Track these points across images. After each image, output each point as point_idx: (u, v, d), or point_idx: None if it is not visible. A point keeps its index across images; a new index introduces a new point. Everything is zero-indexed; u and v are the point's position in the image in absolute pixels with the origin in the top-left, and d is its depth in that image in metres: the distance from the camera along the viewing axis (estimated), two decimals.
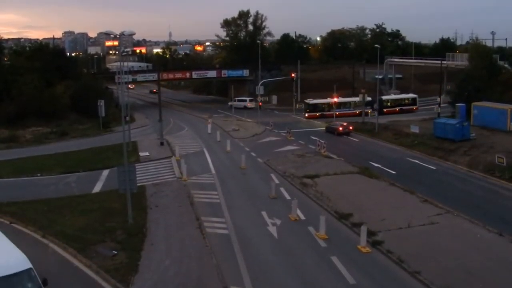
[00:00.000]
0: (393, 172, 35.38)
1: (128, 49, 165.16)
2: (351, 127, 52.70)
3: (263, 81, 73.06)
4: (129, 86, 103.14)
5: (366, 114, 59.82)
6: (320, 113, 65.38)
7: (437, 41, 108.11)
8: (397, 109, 65.28)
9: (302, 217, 25.53)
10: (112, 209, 26.35)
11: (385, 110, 63.72)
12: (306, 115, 65.81)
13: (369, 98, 65.08)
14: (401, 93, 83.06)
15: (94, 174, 35.26)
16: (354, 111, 64.57)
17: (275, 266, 20.01)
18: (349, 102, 67.08)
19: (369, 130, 52.49)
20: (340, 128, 52.07)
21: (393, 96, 70.10)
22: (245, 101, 79.01)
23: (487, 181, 33.19)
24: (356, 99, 65.62)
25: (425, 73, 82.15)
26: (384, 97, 67.08)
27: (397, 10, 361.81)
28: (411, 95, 68.83)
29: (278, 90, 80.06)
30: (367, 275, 18.98)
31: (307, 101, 67.45)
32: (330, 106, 65.55)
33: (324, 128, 55.28)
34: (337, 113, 63.17)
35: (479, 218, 24.71)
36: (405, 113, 63.90)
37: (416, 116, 62.34)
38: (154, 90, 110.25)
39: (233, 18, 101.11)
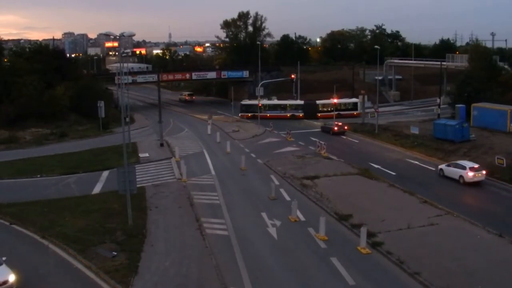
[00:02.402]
0: (393, 173, 35.40)
1: (128, 50, 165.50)
2: (346, 127, 53.09)
3: (262, 82, 73.08)
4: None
5: (297, 118, 61.71)
6: (252, 113, 66.14)
7: (437, 42, 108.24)
8: (334, 113, 64.65)
9: (302, 218, 25.55)
10: (112, 210, 26.38)
11: (319, 115, 63.99)
12: (240, 114, 67.28)
13: (300, 102, 66.54)
14: (400, 95, 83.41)
15: (94, 175, 35.26)
16: (285, 114, 65.13)
17: (274, 267, 20.02)
18: (284, 105, 67.64)
19: (369, 131, 52.54)
20: (335, 128, 52.48)
21: (329, 101, 66.20)
22: (183, 94, 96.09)
23: (486, 182, 33.17)
24: (291, 102, 67.78)
25: (425, 74, 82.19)
26: (318, 102, 66.78)
27: (396, 11, 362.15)
28: (351, 100, 66.95)
29: (278, 91, 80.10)
30: (367, 276, 19.00)
31: (242, 102, 69.53)
32: (263, 107, 66.67)
33: (320, 128, 55.68)
34: (268, 114, 64.72)
35: (478, 219, 24.75)
36: (343, 118, 61.34)
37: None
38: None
39: (233, 19, 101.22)
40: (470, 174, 32.29)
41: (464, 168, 32.84)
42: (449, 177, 33.67)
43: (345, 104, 65.61)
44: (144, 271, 19.29)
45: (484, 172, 32.78)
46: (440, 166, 35.35)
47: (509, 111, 46.90)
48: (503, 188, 31.89)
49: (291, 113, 64.83)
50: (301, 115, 64.59)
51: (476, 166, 33.12)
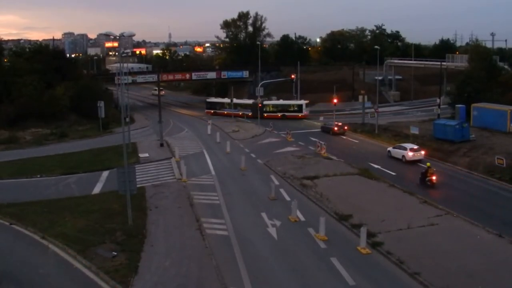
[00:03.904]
0: (393, 173, 35.41)
1: (128, 51, 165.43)
2: (346, 127, 53.11)
3: (262, 82, 73.11)
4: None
5: (248, 116, 64.59)
6: (214, 110, 72.43)
7: (437, 42, 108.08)
8: (279, 114, 65.13)
9: (302, 218, 25.55)
10: (112, 211, 26.38)
11: (265, 115, 65.41)
12: (205, 111, 73.40)
13: (249, 102, 68.87)
14: (400, 95, 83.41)
15: (94, 175, 35.26)
16: (238, 112, 67.36)
17: (274, 267, 20.02)
18: (243, 104, 69.89)
19: (369, 131, 52.52)
20: (335, 128, 52.47)
21: (276, 102, 70.29)
22: (156, 89, 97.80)
23: (486, 182, 33.22)
24: (245, 101, 70.67)
25: (425, 74, 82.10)
26: (266, 102, 68.77)
27: (396, 11, 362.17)
28: (297, 102, 68.60)
29: (278, 91, 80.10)
30: (367, 276, 19.00)
31: (207, 100, 76.42)
32: (222, 105, 72.00)
33: (320, 128, 55.84)
34: (225, 112, 69.42)
35: (478, 220, 24.74)
36: (288, 119, 63.71)
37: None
38: None
39: (233, 20, 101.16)
40: (410, 154, 38.69)
41: (405, 149, 39.34)
42: (395, 156, 40.04)
43: (290, 105, 67.82)
44: (144, 271, 19.29)
45: (422, 152, 39.10)
46: (388, 148, 41.69)
47: (509, 111, 46.89)
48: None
49: (242, 112, 67.31)
50: (250, 114, 66.52)
51: (416, 147, 39.54)
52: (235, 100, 70.09)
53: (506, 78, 59.90)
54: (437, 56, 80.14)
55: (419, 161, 38.28)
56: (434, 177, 32.00)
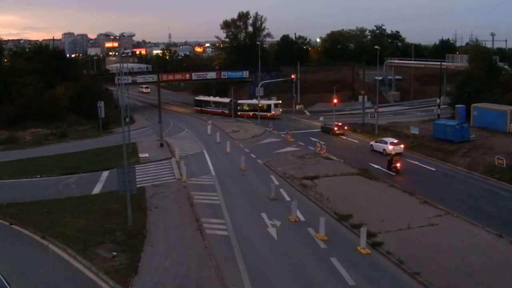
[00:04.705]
0: (393, 174, 35.41)
1: (128, 51, 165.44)
2: (346, 127, 53.11)
3: (262, 82, 73.15)
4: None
5: (225, 114, 67.87)
6: (200, 108, 77.93)
7: (437, 42, 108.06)
8: (251, 113, 66.47)
9: (302, 218, 25.55)
10: (111, 211, 26.37)
11: (239, 113, 69.10)
12: (194, 108, 79.24)
13: (227, 100, 72.36)
14: (400, 95, 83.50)
15: (94, 175, 35.24)
16: (218, 110, 72.71)
17: (274, 267, 20.02)
18: (222, 102, 73.74)
19: (369, 131, 52.53)
20: (335, 128, 52.47)
21: (248, 101, 73.06)
22: (142, 87, 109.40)
23: (486, 183, 33.21)
24: (224, 100, 74.49)
25: (425, 75, 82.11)
26: (239, 101, 72.25)
27: (396, 11, 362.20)
28: (267, 102, 70.40)
29: (278, 91, 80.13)
30: (367, 277, 19.00)
31: (196, 98, 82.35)
32: (207, 103, 77.54)
33: (320, 128, 55.85)
34: (209, 110, 75.34)
35: (478, 220, 24.74)
36: (260, 118, 64.66)
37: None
38: None
39: (233, 20, 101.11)
40: (390, 147, 41.07)
41: (386, 143, 42.26)
42: (377, 150, 42.66)
43: (261, 105, 69.69)
44: (144, 271, 19.29)
45: (402, 146, 41.89)
46: (371, 143, 44.52)
47: (509, 111, 46.88)
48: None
49: (221, 110, 70.33)
50: (227, 112, 68.87)
51: (396, 141, 42.47)
52: (217, 99, 76.65)
53: (506, 78, 59.92)
54: (437, 56, 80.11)
55: (399, 154, 39.99)
56: (398, 164, 35.57)
